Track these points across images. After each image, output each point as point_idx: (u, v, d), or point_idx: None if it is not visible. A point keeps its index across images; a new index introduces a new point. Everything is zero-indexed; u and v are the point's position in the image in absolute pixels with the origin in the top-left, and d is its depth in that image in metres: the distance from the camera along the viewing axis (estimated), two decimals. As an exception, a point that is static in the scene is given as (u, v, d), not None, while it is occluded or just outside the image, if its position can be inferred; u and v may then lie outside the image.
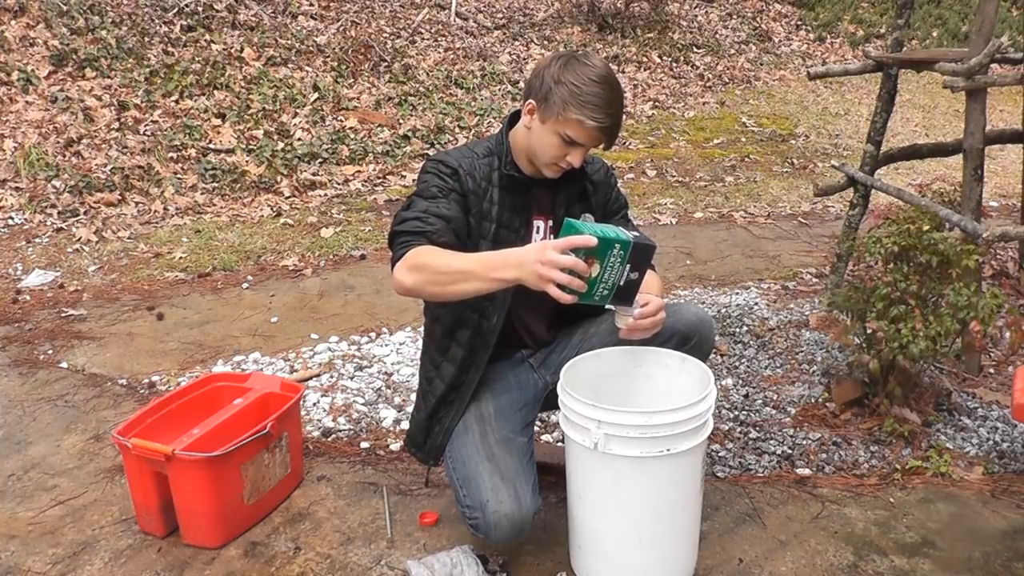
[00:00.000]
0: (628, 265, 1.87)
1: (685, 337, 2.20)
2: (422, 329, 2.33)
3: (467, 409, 2.20)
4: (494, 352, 2.21)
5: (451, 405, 2.21)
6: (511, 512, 1.98)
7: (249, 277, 4.38)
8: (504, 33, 9.21)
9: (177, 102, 6.50)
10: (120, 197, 5.37)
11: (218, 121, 6.39)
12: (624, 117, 2.20)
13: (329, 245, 4.82)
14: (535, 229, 2.20)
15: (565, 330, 2.37)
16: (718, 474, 2.62)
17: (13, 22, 6.97)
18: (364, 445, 2.81)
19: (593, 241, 1.76)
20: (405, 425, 2.90)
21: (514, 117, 2.19)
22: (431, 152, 6.57)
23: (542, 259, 1.76)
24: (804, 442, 2.79)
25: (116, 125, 6.08)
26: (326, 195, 5.69)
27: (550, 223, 2.22)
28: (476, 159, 2.15)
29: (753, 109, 8.19)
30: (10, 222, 5.08)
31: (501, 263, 1.85)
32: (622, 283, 1.89)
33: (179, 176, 5.66)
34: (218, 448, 2.22)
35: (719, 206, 5.61)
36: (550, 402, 2.24)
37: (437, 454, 2.25)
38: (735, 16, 10.76)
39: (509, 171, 2.14)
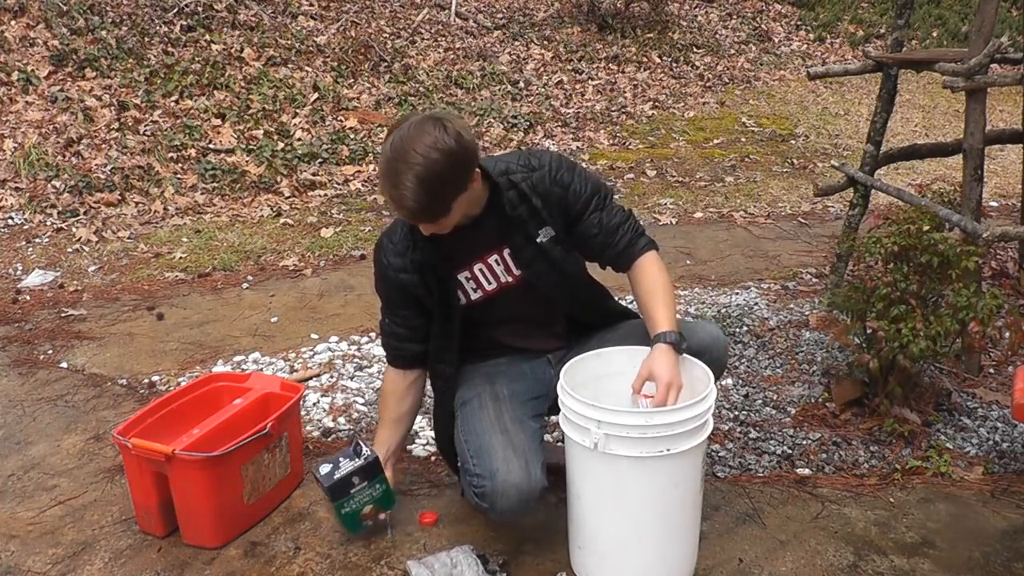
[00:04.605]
0: (371, 485, 2.22)
1: (696, 355, 2.17)
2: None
3: (483, 390, 2.22)
4: (514, 350, 2.32)
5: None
6: (520, 482, 2.00)
7: (249, 277, 4.38)
8: (504, 33, 9.20)
9: (177, 102, 6.50)
10: (120, 197, 5.36)
11: (218, 121, 6.38)
12: (437, 193, 1.89)
13: (329, 245, 4.82)
14: (487, 266, 2.19)
15: (584, 333, 2.35)
16: (718, 474, 2.62)
17: (13, 22, 6.97)
18: (364, 445, 2.81)
19: None
20: (405, 425, 2.91)
21: None
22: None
23: None
24: (804, 442, 2.79)
25: (116, 125, 6.08)
26: (326, 195, 5.69)
27: (506, 250, 2.17)
28: (404, 241, 2.15)
29: (753, 109, 8.18)
30: (10, 222, 5.08)
31: None
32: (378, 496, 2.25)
33: (179, 176, 5.66)
34: (218, 448, 2.22)
35: (719, 206, 5.61)
36: (557, 407, 2.24)
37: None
38: (735, 16, 10.76)
39: (418, 257, 2.13)
